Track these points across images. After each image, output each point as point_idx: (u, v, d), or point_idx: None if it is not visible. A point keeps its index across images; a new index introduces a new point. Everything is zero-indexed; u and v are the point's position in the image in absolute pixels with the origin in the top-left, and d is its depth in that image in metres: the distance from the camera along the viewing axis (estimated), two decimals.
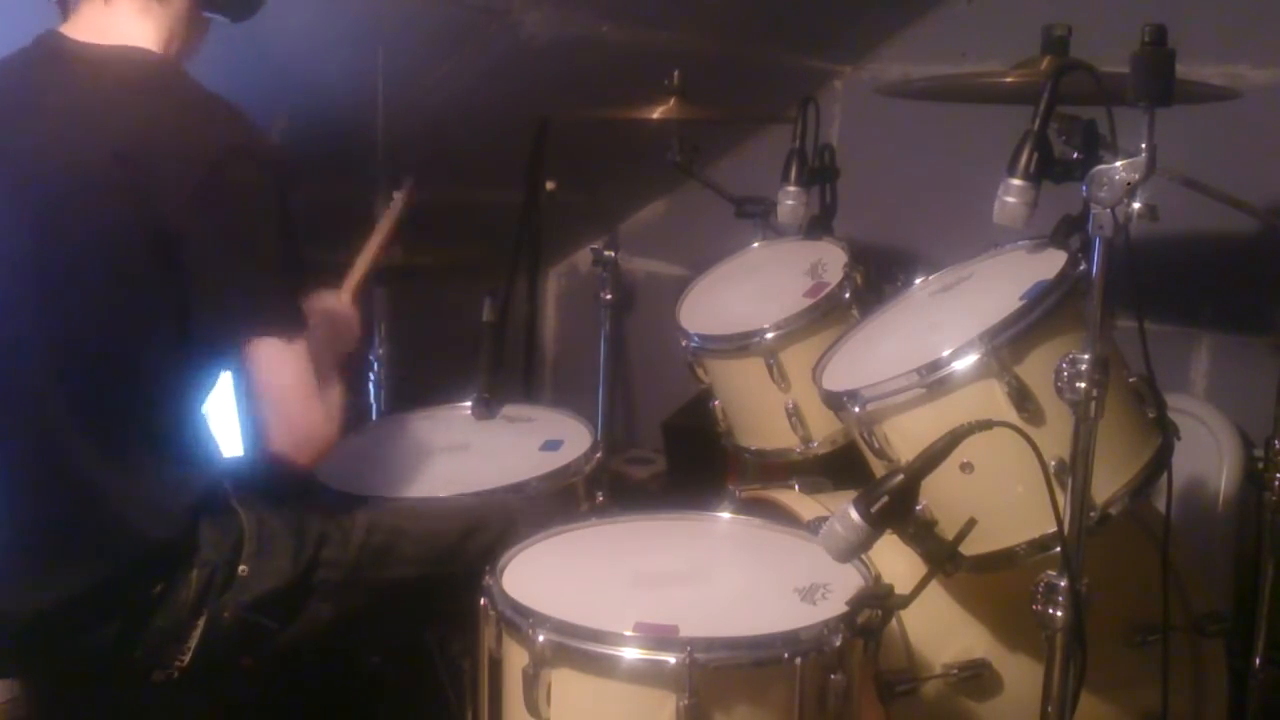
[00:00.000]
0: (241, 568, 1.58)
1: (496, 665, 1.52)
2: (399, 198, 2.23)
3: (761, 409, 2.11)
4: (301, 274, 1.61)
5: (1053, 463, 1.46)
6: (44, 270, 1.52)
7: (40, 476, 1.55)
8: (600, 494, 2.09)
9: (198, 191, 1.49)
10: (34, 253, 1.52)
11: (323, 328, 1.73)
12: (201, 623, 1.56)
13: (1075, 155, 1.46)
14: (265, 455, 1.60)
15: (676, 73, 2.42)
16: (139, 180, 1.48)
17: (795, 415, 2.06)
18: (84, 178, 1.50)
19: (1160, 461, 1.60)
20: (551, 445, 2.13)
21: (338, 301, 1.92)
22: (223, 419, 1.91)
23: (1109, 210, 1.40)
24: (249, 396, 1.59)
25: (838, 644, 1.42)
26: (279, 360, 1.54)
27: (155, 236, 1.49)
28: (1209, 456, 2.53)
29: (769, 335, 2.04)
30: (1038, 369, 1.49)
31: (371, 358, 2.66)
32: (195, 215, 1.49)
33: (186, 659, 1.56)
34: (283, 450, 1.59)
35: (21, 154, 1.54)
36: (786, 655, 1.40)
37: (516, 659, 1.46)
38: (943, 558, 1.47)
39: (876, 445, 1.60)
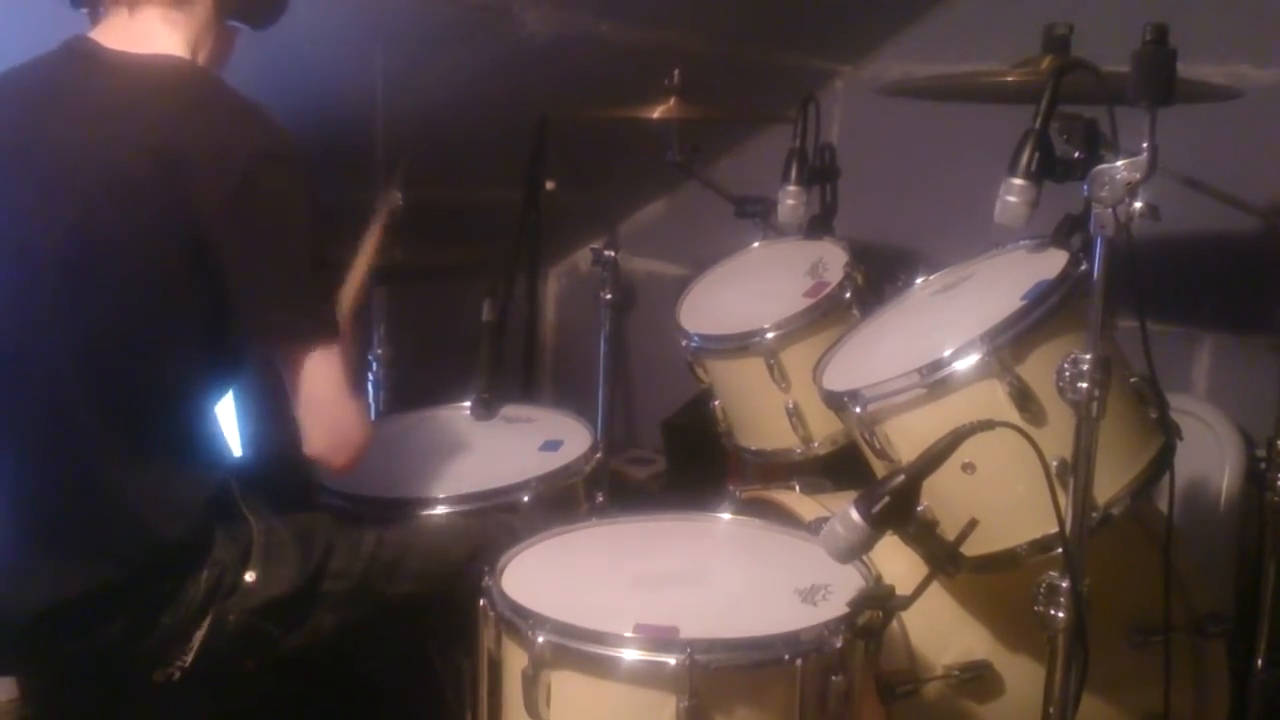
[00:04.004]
0: (249, 574, 1.58)
1: (496, 667, 1.51)
2: (382, 208, 2.21)
3: (762, 409, 2.11)
4: (331, 278, 1.64)
5: (1054, 463, 1.46)
6: (73, 266, 1.51)
7: (59, 472, 1.55)
8: (600, 494, 2.08)
9: (231, 199, 1.49)
10: (64, 248, 1.51)
11: None
12: (206, 624, 1.56)
13: (1076, 155, 1.46)
14: (301, 460, 1.61)
15: (676, 72, 2.41)
16: (172, 182, 1.48)
17: (796, 415, 2.06)
18: (118, 176, 1.49)
19: (1162, 462, 1.60)
20: (551, 445, 2.12)
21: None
22: (222, 421, 1.91)
23: (1110, 210, 1.40)
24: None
25: (838, 645, 1.42)
26: (318, 366, 1.56)
27: (187, 238, 1.49)
28: (1211, 457, 2.52)
29: (769, 335, 2.03)
30: (1039, 369, 1.49)
31: (371, 358, 2.66)
32: (229, 223, 1.49)
33: (188, 659, 1.56)
34: (321, 455, 1.61)
35: (55, 151, 1.53)
36: (787, 656, 1.39)
37: (516, 660, 1.46)
38: (944, 558, 1.47)
39: (878, 445, 1.59)
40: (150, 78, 1.56)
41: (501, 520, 1.85)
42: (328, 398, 1.58)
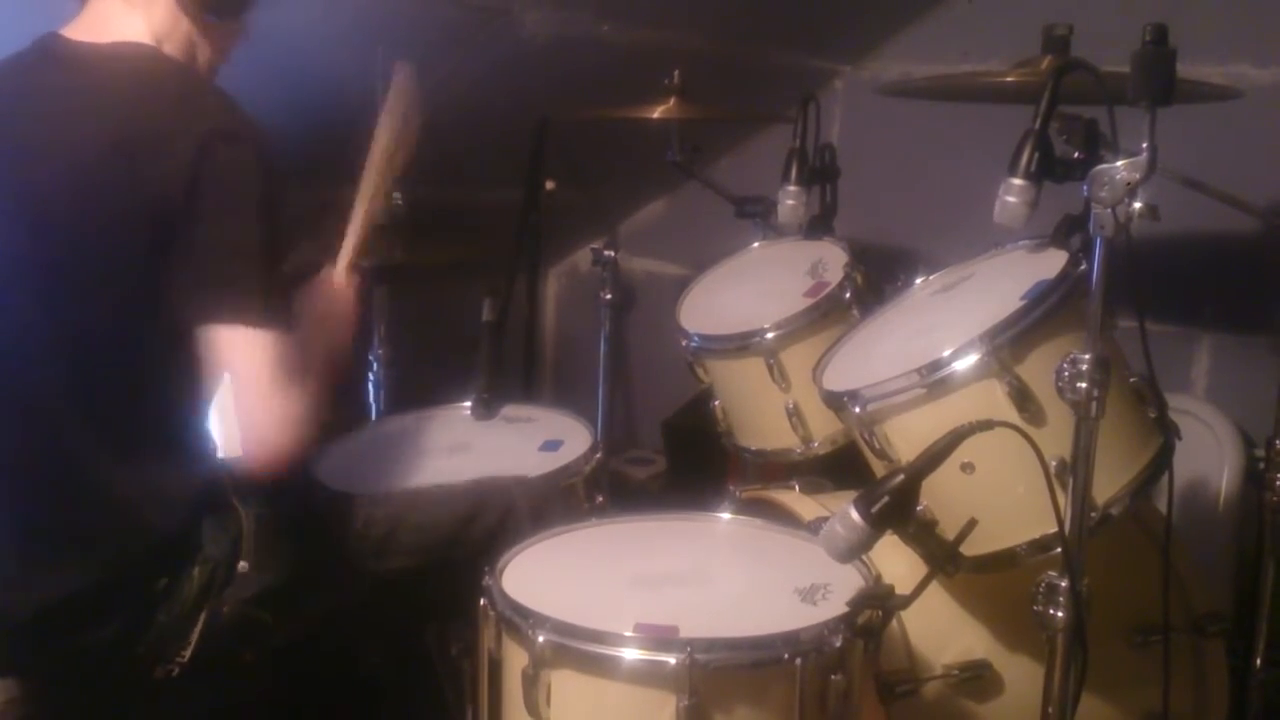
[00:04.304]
0: (241, 563, 1.59)
1: (496, 666, 1.51)
2: (394, 91, 1.95)
3: (762, 409, 2.11)
4: (280, 266, 1.56)
5: (1054, 463, 1.46)
6: (48, 267, 1.52)
7: (47, 472, 1.55)
8: (600, 494, 2.08)
9: (187, 175, 1.47)
10: (37, 249, 1.52)
11: (313, 310, 1.70)
12: (202, 618, 1.56)
13: (1076, 155, 1.46)
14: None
15: (676, 73, 2.41)
16: (137, 173, 1.48)
17: (795, 415, 2.06)
18: (84, 175, 1.50)
19: (1161, 462, 1.60)
20: (551, 445, 2.12)
21: (332, 276, 1.83)
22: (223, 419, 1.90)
23: (1110, 210, 1.40)
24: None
25: (838, 645, 1.42)
26: (240, 349, 1.50)
27: (155, 227, 1.49)
28: (1210, 457, 2.53)
29: (769, 335, 2.04)
30: (1039, 369, 1.49)
31: (371, 358, 2.66)
32: (186, 200, 1.48)
33: (187, 654, 1.56)
34: (244, 448, 1.54)
35: (21, 155, 1.54)
36: (787, 656, 1.40)
37: (516, 660, 1.46)
38: (943, 558, 1.47)
39: (877, 445, 1.59)
40: (108, 67, 1.56)
41: (494, 485, 1.85)
42: (245, 384, 1.51)
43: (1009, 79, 1.84)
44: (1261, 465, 2.02)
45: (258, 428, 1.52)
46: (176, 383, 1.59)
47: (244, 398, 1.52)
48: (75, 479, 1.54)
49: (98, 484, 1.54)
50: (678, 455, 3.41)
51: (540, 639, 1.41)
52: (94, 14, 1.60)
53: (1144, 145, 1.38)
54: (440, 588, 1.72)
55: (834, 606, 1.49)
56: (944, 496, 1.52)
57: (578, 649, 1.40)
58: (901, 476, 1.38)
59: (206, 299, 1.50)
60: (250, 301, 1.50)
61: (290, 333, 1.53)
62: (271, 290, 1.52)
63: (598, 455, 2.08)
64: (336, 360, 1.72)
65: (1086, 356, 1.42)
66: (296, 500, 1.72)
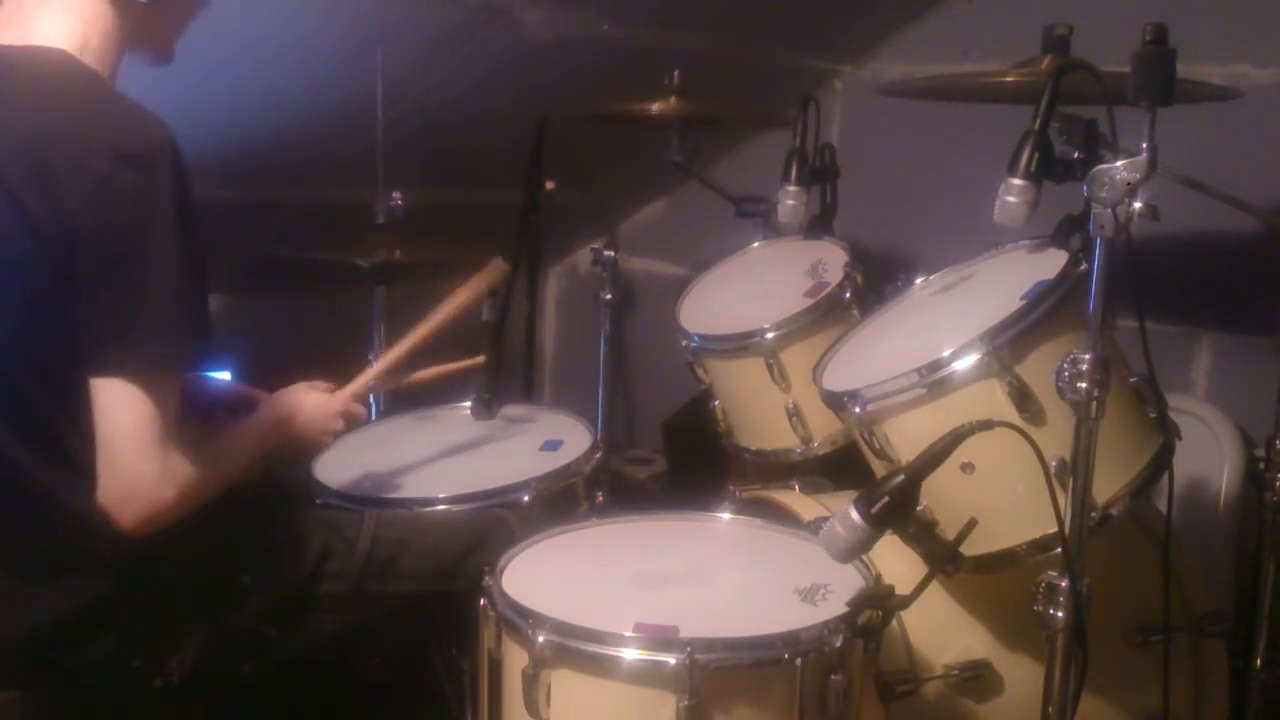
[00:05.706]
0: (244, 578, 1.57)
1: (496, 666, 1.51)
2: (483, 274, 2.03)
3: (762, 409, 2.11)
4: (186, 305, 1.43)
5: (1054, 463, 1.46)
6: None
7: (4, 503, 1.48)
8: (600, 494, 2.08)
9: (88, 199, 1.37)
10: None
11: (279, 411, 1.68)
12: (204, 631, 1.55)
13: (1076, 155, 1.47)
14: (86, 509, 1.43)
15: (676, 72, 2.41)
16: (33, 193, 1.38)
17: (795, 415, 2.06)
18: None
19: (1161, 462, 1.60)
20: (551, 445, 2.12)
21: (329, 396, 1.79)
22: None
23: (1110, 210, 1.40)
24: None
25: (838, 644, 1.42)
26: (124, 396, 1.39)
27: (55, 250, 1.39)
28: (1210, 457, 2.53)
29: (769, 335, 2.04)
30: (1039, 369, 1.49)
31: (371, 358, 2.66)
32: (85, 224, 1.37)
33: (188, 666, 1.55)
34: (105, 503, 1.42)
35: None
36: (787, 656, 1.40)
37: (516, 660, 1.46)
38: (943, 558, 1.47)
39: (877, 445, 1.60)
40: (21, 78, 1.46)
41: (497, 515, 1.85)
42: (124, 435, 1.40)
43: (1009, 79, 1.84)
44: (1261, 465, 2.01)
45: (133, 481, 1.41)
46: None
47: (121, 448, 1.40)
48: (25, 501, 1.47)
49: (49, 504, 1.47)
50: (678, 455, 3.41)
51: (540, 639, 1.41)
52: (11, 11, 1.49)
53: (1144, 145, 1.38)
54: (441, 614, 1.72)
55: (834, 606, 1.49)
56: (944, 496, 1.52)
57: (578, 649, 1.40)
58: (901, 476, 1.38)
59: (104, 340, 1.39)
60: (146, 347, 1.40)
61: (191, 371, 1.45)
62: (170, 333, 1.41)
63: (598, 455, 2.08)
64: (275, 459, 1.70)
65: (1086, 356, 1.43)
66: (300, 513, 1.71)
